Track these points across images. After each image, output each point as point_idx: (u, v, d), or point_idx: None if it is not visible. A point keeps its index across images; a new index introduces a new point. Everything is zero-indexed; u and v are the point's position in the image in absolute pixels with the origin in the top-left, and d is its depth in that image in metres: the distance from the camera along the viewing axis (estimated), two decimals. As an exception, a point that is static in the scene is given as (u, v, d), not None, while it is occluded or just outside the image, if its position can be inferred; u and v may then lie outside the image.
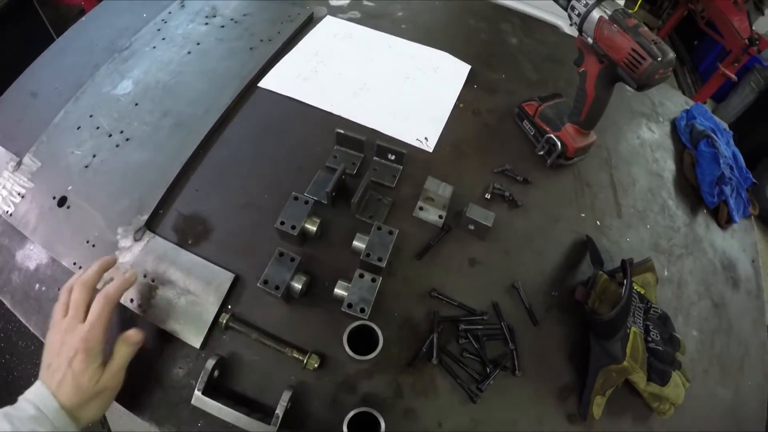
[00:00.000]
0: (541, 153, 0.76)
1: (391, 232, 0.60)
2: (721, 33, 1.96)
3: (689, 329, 0.72)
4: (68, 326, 0.54)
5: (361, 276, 0.57)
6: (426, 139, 0.73)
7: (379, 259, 0.58)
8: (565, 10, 0.67)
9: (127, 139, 0.72)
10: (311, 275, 0.61)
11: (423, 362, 0.59)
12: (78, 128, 0.74)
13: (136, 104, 0.75)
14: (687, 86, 2.42)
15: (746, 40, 1.85)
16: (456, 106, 0.79)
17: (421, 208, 0.67)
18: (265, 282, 0.56)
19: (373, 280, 0.57)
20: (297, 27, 0.84)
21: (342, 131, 0.68)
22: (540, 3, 1.08)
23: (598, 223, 0.75)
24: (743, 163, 0.88)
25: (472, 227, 0.65)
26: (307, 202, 0.61)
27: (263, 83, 0.77)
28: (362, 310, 0.56)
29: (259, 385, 0.57)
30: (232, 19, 0.85)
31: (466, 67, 0.84)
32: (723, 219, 0.84)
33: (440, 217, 0.66)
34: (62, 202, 0.68)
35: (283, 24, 0.84)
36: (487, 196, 0.70)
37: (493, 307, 0.63)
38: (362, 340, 0.54)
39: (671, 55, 0.58)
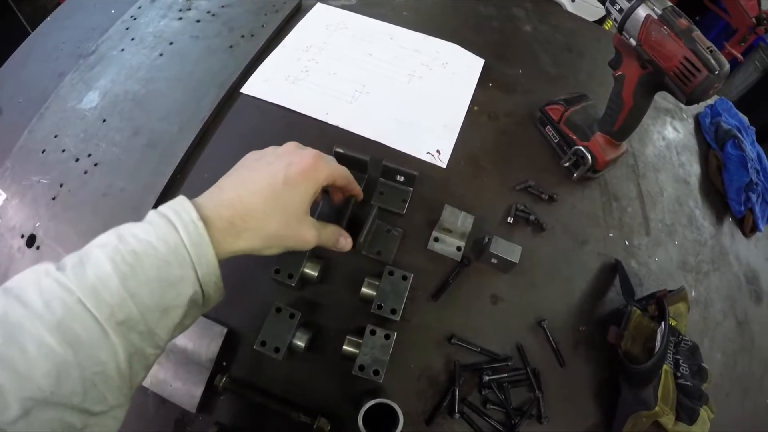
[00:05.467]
0: (567, 165, 0.62)
1: (405, 277, 0.48)
2: (727, 10, 1.74)
3: (714, 353, 0.63)
4: (297, 145, 0.42)
5: (373, 333, 0.46)
6: (438, 152, 0.60)
7: (393, 311, 0.47)
8: (603, 3, 0.52)
9: (96, 164, 0.58)
10: (314, 326, 0.50)
11: (443, 416, 0.49)
12: (43, 152, 0.60)
13: (104, 120, 0.61)
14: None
15: (754, 19, 1.65)
16: (470, 109, 0.64)
17: (436, 240, 0.54)
18: (263, 344, 0.45)
19: (387, 337, 0.46)
20: (283, 18, 0.68)
21: (341, 150, 0.54)
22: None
23: (626, 243, 0.63)
24: None
25: (495, 261, 0.53)
26: (305, 245, 0.48)
27: (246, 89, 0.62)
28: (376, 373, 0.45)
29: None
30: (209, 12, 0.68)
31: (479, 62, 0.68)
32: (748, 228, 0.73)
33: (458, 249, 0.54)
34: (31, 241, 0.56)
35: (268, 15, 0.67)
36: (510, 219, 0.58)
37: (518, 350, 0.53)
38: (379, 414, 0.43)
39: (727, 67, 0.46)
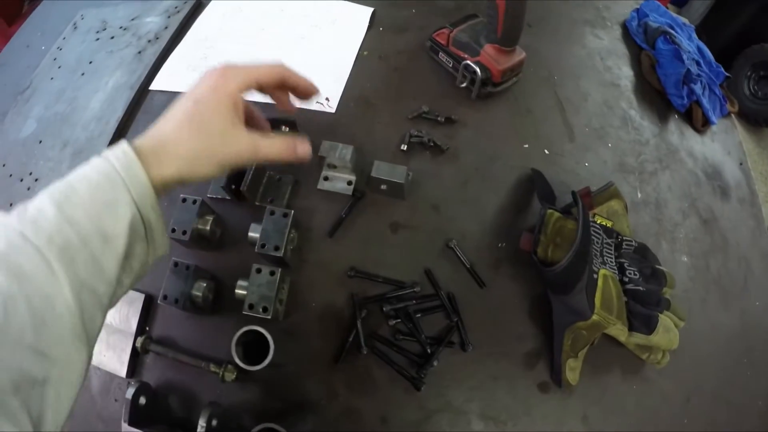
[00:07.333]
0: (464, 85, 0.61)
1: (285, 215, 0.49)
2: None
3: (677, 255, 0.57)
4: (204, 73, 0.39)
5: (258, 271, 0.47)
6: (327, 99, 0.60)
7: (276, 248, 0.47)
8: None
9: (36, 180, 0.65)
10: (217, 280, 0.52)
11: (354, 354, 0.48)
12: (-6, 182, 0.67)
13: (40, 142, 0.68)
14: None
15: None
16: (359, 55, 0.65)
17: (326, 179, 0.55)
18: (165, 297, 0.48)
19: (272, 274, 0.47)
20: (183, 17, 0.72)
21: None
22: None
23: (546, 152, 0.60)
24: (712, 57, 0.70)
25: (384, 188, 0.52)
26: (195, 202, 0.51)
27: (154, 85, 0.67)
28: (265, 310, 0.46)
29: (188, 405, 0.50)
30: (121, 27, 0.74)
31: (367, 11, 0.69)
32: (699, 122, 0.67)
33: (349, 183, 0.54)
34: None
35: (170, 18, 0.73)
36: (403, 147, 0.57)
37: (426, 276, 0.51)
38: (257, 344, 0.44)
39: None
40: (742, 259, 0.61)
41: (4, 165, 0.68)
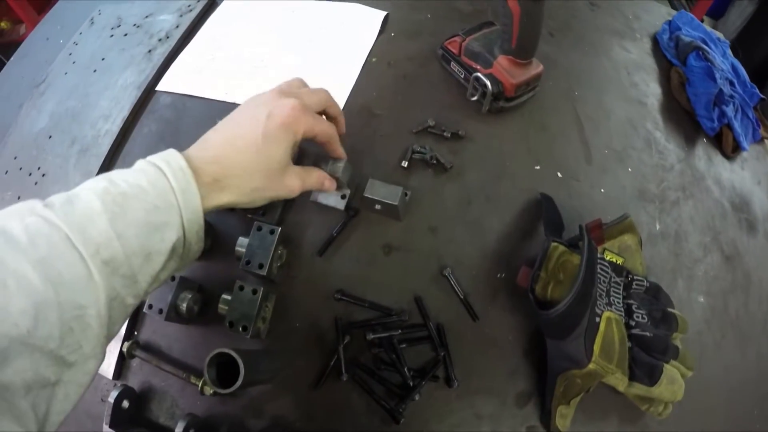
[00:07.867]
0: (475, 98, 0.57)
1: (272, 231, 0.47)
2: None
3: (693, 295, 0.52)
4: (280, 91, 0.41)
5: (241, 288, 0.46)
6: (329, 110, 0.58)
7: (260, 266, 0.46)
8: None
9: (44, 175, 0.66)
10: (205, 291, 0.51)
11: (334, 378, 0.47)
12: (6, 173, 0.69)
13: (50, 137, 0.69)
14: (681, 5, 1.91)
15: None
16: (368, 61, 0.62)
17: (318, 191, 0.53)
18: (150, 306, 0.48)
19: (254, 292, 0.45)
20: (196, 15, 0.71)
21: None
22: None
23: (559, 174, 0.56)
24: (746, 77, 0.63)
25: (379, 207, 0.50)
26: (186, 212, 0.50)
27: (160, 86, 0.66)
28: (244, 329, 0.45)
29: (170, 413, 0.50)
30: (134, 25, 0.74)
31: (379, 15, 0.66)
32: (729, 147, 0.61)
33: (343, 197, 0.52)
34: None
35: (182, 17, 0.72)
36: (404, 163, 0.54)
37: (416, 303, 0.48)
38: (232, 365, 0.43)
39: None
40: (765, 299, 0.55)
41: (15, 157, 0.70)
